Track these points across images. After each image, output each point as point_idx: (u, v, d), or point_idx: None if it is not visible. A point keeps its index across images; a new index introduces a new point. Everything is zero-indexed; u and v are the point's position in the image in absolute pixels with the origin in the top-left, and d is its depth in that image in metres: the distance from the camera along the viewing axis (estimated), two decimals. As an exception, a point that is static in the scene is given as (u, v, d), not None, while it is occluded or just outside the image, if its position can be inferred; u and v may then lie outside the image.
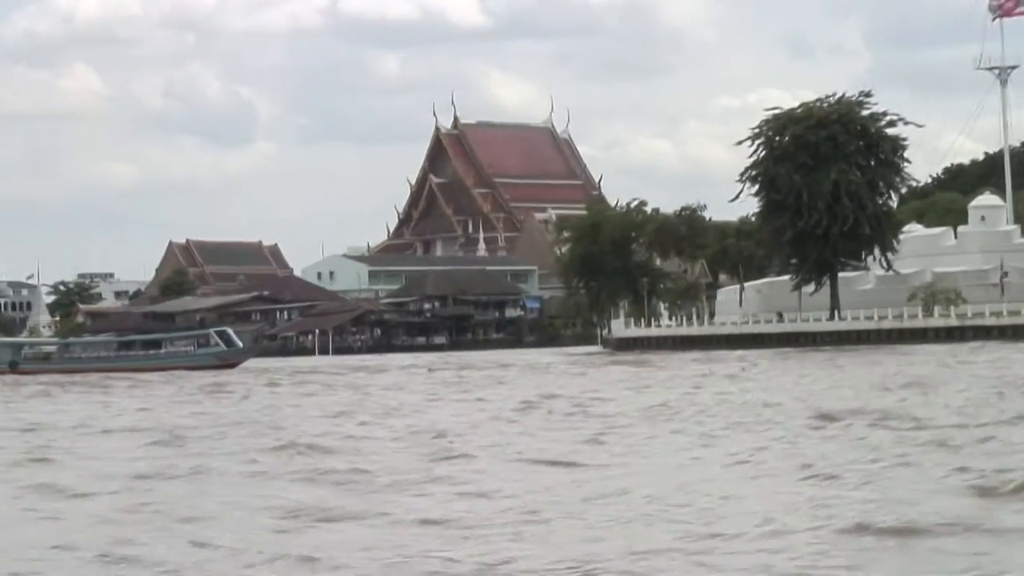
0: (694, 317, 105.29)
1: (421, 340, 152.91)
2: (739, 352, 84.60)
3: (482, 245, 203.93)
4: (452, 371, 71.17)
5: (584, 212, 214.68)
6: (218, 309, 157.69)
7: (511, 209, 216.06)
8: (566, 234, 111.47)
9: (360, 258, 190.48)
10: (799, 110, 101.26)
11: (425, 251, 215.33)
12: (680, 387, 43.81)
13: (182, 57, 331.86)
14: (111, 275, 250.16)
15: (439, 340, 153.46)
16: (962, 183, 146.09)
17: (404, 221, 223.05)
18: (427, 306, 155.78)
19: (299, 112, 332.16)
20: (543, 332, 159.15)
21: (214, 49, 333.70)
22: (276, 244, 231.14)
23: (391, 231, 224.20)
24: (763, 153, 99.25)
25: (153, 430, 31.41)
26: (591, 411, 33.69)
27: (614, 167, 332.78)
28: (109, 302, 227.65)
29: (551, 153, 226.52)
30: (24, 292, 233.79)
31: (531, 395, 41.29)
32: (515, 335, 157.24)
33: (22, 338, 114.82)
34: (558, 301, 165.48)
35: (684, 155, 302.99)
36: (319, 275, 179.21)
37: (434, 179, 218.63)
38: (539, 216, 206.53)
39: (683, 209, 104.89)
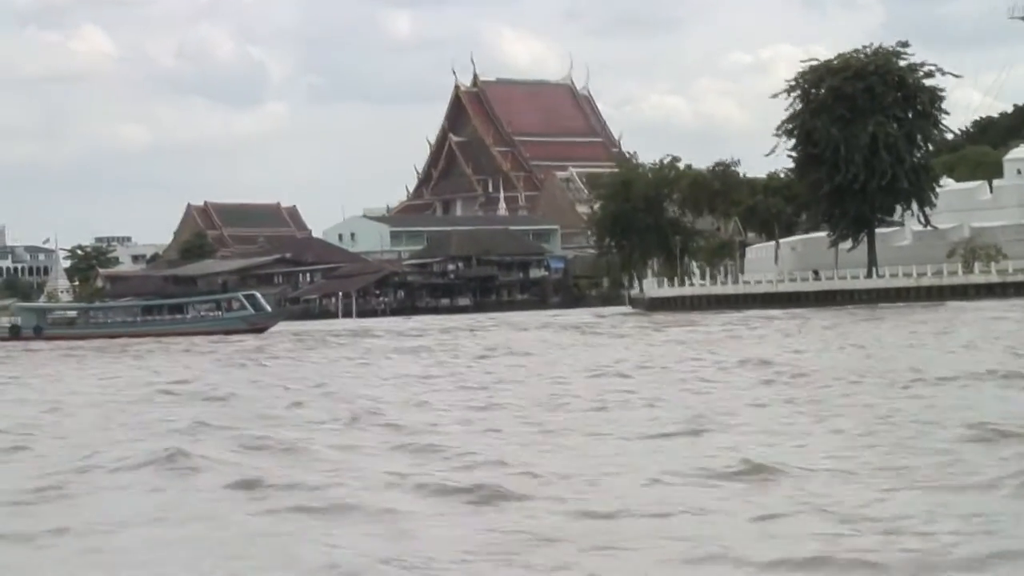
0: (727, 276, 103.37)
1: (445, 302, 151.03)
2: (776, 311, 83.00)
3: (502, 204, 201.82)
4: (492, 332, 69.41)
5: (607, 170, 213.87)
6: (240, 272, 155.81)
7: (531, 168, 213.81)
8: (594, 192, 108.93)
9: (381, 219, 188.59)
10: (836, 61, 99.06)
11: (445, 211, 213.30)
12: (761, 348, 41.98)
13: (193, 17, 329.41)
14: (128, 239, 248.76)
15: (463, 302, 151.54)
16: (992, 136, 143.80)
17: (424, 181, 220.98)
18: (451, 267, 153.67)
19: (311, 72, 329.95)
20: (568, 293, 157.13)
21: (225, 9, 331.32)
22: (295, 206, 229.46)
23: (410, 191, 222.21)
24: (799, 106, 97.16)
25: (215, 400, 29.79)
26: (677, 375, 31.99)
27: (628, 124, 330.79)
28: (127, 266, 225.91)
29: (571, 111, 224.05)
30: (41, 257, 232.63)
31: (592, 363, 39.31)
32: (540, 296, 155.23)
33: (44, 303, 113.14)
34: (583, 261, 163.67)
35: (697, 112, 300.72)
36: (340, 236, 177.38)
37: (453, 138, 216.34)
38: (560, 175, 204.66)
39: (717, 164, 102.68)
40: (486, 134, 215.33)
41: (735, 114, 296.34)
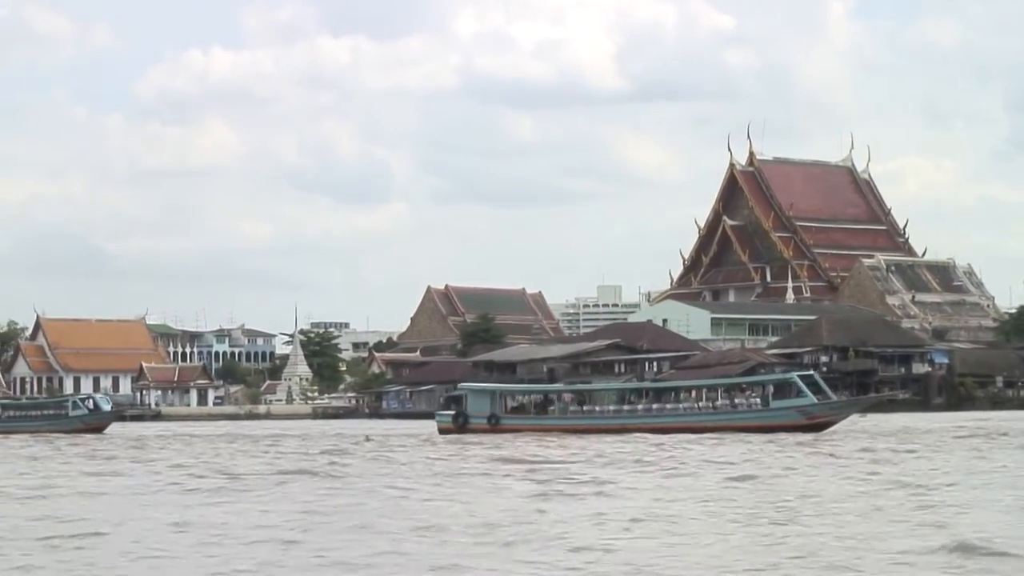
0: None
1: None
2: None
3: (790, 295, 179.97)
4: None
5: (899, 259, 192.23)
6: (570, 358, 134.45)
7: (815, 255, 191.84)
8: None
9: (702, 304, 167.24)
10: None
11: (715, 300, 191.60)
12: None
13: (315, 116, 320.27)
14: (346, 324, 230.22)
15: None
16: None
17: (691, 267, 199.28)
18: (823, 358, 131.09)
19: (432, 173, 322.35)
20: (952, 392, 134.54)
21: (348, 108, 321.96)
22: (540, 292, 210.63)
23: (674, 279, 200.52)
24: None
25: None
26: None
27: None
28: (348, 353, 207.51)
29: (852, 195, 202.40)
30: (260, 341, 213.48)
31: None
32: (921, 395, 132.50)
33: (501, 384, 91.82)
34: (962, 355, 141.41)
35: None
36: (649, 322, 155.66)
37: (728, 221, 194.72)
38: (867, 262, 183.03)
39: None
40: (764, 217, 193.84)
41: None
